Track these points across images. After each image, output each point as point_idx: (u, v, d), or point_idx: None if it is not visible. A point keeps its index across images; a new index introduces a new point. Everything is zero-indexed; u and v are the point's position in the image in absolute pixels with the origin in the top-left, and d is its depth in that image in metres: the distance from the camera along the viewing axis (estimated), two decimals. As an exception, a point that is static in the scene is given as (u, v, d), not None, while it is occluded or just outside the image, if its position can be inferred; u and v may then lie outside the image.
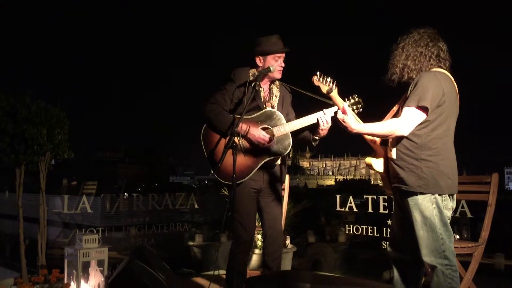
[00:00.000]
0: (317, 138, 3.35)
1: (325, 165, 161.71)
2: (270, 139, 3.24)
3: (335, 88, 2.94)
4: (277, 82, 3.45)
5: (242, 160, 3.22)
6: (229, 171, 3.10)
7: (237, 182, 3.17)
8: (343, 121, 2.70)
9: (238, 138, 3.19)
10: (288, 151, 3.31)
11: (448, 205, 2.66)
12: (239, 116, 3.14)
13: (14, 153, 4.07)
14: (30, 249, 4.40)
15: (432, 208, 2.61)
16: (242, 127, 3.19)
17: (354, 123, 2.70)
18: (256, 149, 3.27)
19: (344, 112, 2.70)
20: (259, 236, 5.28)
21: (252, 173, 3.26)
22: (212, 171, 3.32)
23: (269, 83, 3.42)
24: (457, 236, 5.62)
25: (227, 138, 3.21)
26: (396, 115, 2.80)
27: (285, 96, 3.47)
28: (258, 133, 3.22)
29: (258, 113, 3.31)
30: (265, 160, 3.27)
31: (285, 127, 3.26)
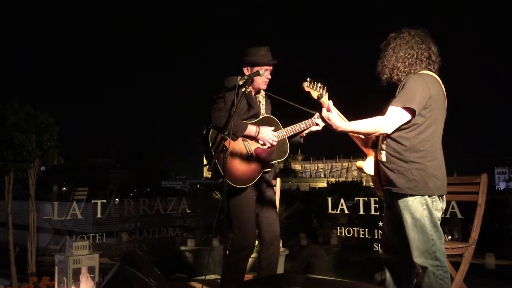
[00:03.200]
0: (304, 135, 3.46)
1: (317, 168, 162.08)
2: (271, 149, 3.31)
3: (326, 93, 2.94)
4: (262, 91, 3.49)
5: (248, 164, 3.24)
6: (239, 174, 3.16)
7: (244, 187, 3.22)
8: (328, 119, 2.71)
9: (245, 142, 3.23)
10: (286, 155, 3.37)
11: (438, 206, 2.67)
12: (249, 122, 3.24)
13: (3, 160, 4.04)
14: (20, 256, 4.37)
15: (422, 210, 2.62)
16: (252, 128, 3.23)
17: (338, 121, 2.70)
18: (261, 154, 3.30)
19: (329, 110, 2.71)
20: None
21: (259, 176, 3.27)
22: (222, 177, 3.31)
23: (254, 92, 3.44)
24: (448, 237, 5.66)
25: (238, 141, 3.25)
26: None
27: (266, 104, 3.52)
28: (269, 133, 3.28)
29: (257, 119, 3.35)
30: (270, 164, 3.32)
31: (283, 133, 3.34)
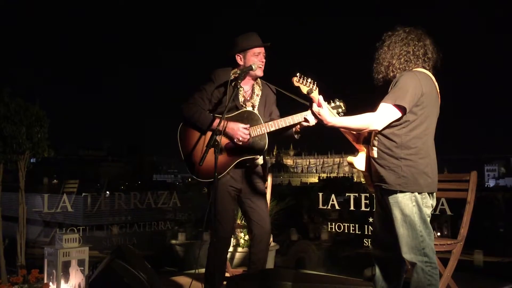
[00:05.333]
0: (298, 130, 3.35)
1: (309, 163, 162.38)
2: (244, 144, 3.25)
3: (316, 88, 2.93)
4: (259, 81, 3.45)
5: (213, 159, 3.22)
6: (205, 170, 3.12)
7: (210, 180, 3.16)
8: (319, 114, 2.71)
9: (218, 136, 3.19)
10: (263, 151, 3.31)
11: (428, 203, 2.69)
12: (219, 116, 3.15)
13: (-7, 151, 4.00)
14: (9, 248, 4.34)
15: (411, 206, 2.64)
16: (220, 123, 3.17)
17: (329, 116, 2.70)
18: (232, 148, 3.27)
19: (319, 105, 2.71)
20: (242, 235, 5.29)
21: (226, 171, 3.25)
22: (189, 171, 3.31)
23: (252, 81, 3.41)
24: (438, 233, 5.69)
25: (206, 136, 3.22)
26: None
27: (268, 96, 3.47)
28: (238, 126, 3.22)
29: (235, 113, 3.30)
30: (240, 159, 3.27)
31: (262, 128, 3.26)
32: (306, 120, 3.17)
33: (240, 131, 3.21)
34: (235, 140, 3.24)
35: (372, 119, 2.66)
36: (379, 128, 2.68)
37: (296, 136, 3.36)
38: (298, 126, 3.28)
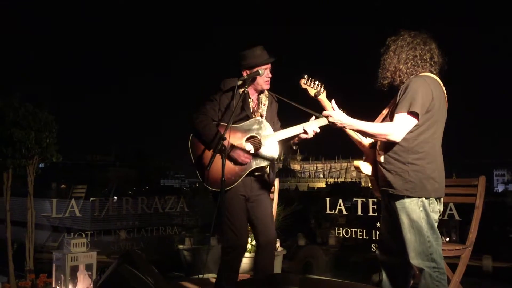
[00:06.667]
0: (296, 142, 3.34)
1: (316, 168, 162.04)
2: (256, 152, 3.25)
3: (323, 91, 2.92)
4: (265, 92, 3.45)
5: (230, 167, 3.22)
6: (216, 177, 3.10)
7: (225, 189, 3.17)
8: (333, 117, 2.69)
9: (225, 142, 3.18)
10: (274, 159, 3.30)
11: (435, 208, 2.68)
12: (225, 124, 3.14)
13: (2, 156, 4.04)
14: (18, 253, 4.37)
15: (419, 211, 2.62)
16: (227, 130, 3.15)
17: (345, 117, 2.68)
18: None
19: (332, 109, 2.72)
20: (249, 240, 5.28)
21: (240, 180, 3.25)
22: (200, 178, 3.30)
23: (257, 94, 3.42)
24: (446, 239, 5.66)
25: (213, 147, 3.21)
26: (386, 118, 2.80)
27: (272, 104, 3.47)
28: (240, 154, 3.21)
29: (246, 122, 3.30)
30: (252, 168, 3.27)
31: (273, 137, 3.26)
32: (305, 131, 3.14)
33: (242, 156, 3.21)
34: (238, 161, 3.23)
35: (391, 130, 2.63)
36: (399, 139, 2.64)
37: (294, 147, 3.35)
38: (297, 138, 3.25)
